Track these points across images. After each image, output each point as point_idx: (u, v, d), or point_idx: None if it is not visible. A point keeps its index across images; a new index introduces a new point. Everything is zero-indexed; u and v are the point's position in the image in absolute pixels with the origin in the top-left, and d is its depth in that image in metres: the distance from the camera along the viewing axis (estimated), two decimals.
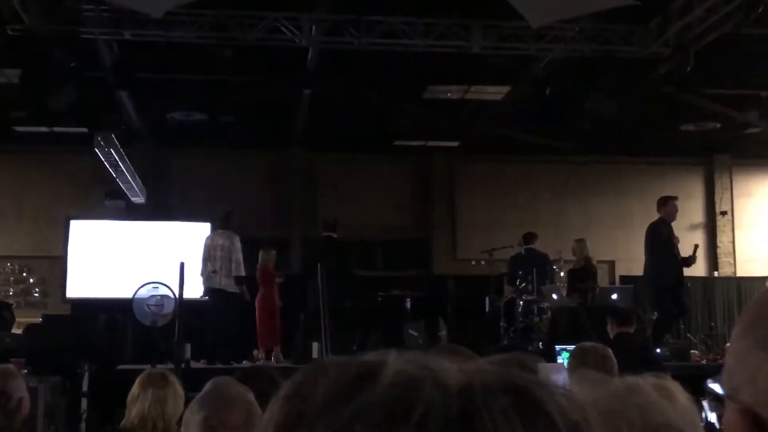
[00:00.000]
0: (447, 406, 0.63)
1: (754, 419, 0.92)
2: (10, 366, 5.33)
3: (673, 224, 19.21)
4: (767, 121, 15.56)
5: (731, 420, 0.96)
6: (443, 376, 0.65)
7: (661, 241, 11.41)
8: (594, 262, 13.54)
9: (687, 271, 18.64)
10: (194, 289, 11.63)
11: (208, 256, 11.62)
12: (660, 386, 1.63)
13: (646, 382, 1.64)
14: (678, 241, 11.57)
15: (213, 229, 13.31)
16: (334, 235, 12.21)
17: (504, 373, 0.66)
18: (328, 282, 10.55)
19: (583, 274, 12.98)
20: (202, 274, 11.64)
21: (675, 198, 11.91)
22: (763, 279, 14.36)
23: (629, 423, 1.21)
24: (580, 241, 13.46)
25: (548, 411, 0.65)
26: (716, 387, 1.01)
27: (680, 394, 1.63)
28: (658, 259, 11.41)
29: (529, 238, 13.22)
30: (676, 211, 11.78)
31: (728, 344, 1.01)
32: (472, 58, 12.31)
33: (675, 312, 11.90)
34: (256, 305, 12.01)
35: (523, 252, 13.11)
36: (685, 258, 11.63)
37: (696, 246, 11.98)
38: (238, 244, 11.72)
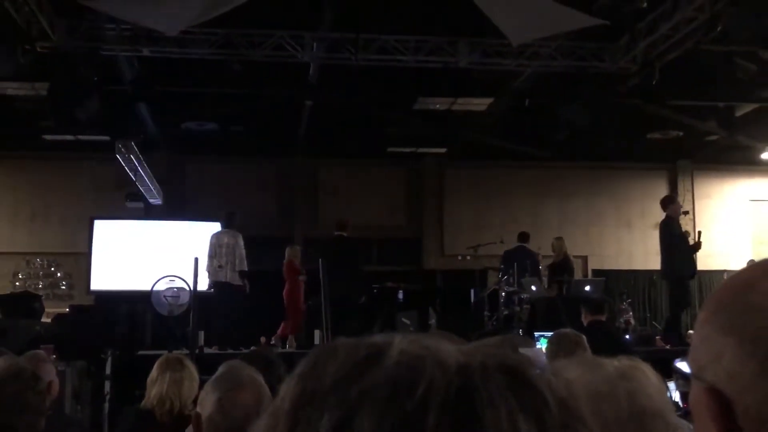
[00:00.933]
0: (448, 383, 0.63)
1: (718, 396, 0.93)
2: (41, 352, 5.33)
3: (641, 224, 19.33)
4: (725, 129, 15.61)
5: (696, 397, 0.97)
6: (444, 356, 0.65)
7: (678, 235, 11.37)
8: (571, 258, 13.57)
9: (653, 264, 18.75)
10: (205, 282, 11.65)
11: (214, 253, 11.61)
12: (633, 367, 1.64)
13: (621, 363, 1.65)
14: (689, 235, 11.58)
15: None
16: (345, 234, 12.13)
17: (499, 353, 0.67)
18: (338, 277, 10.59)
19: (561, 268, 13.03)
20: (208, 269, 11.60)
21: (676, 195, 12.01)
22: (721, 272, 14.40)
23: (615, 406, 1.20)
24: (560, 239, 13.52)
25: (539, 388, 0.65)
26: (683, 366, 1.02)
27: (651, 374, 1.64)
28: (679, 252, 11.25)
29: (522, 237, 13.28)
30: (680, 207, 11.81)
31: (690, 331, 1.02)
32: (459, 72, 12.32)
33: (684, 305, 11.73)
34: (284, 297, 12.04)
35: (514, 248, 13.13)
36: (691, 246, 11.59)
37: (699, 232, 11.98)
38: (241, 242, 11.74)
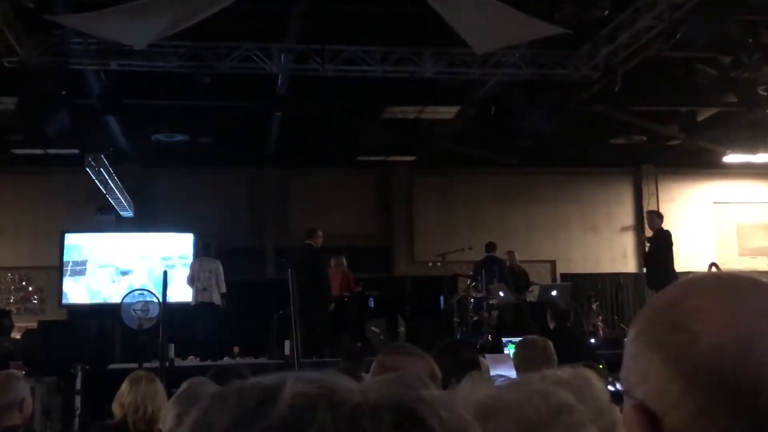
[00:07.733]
0: (337, 429, 0.63)
1: (647, 412, 0.94)
2: (15, 371, 5.26)
3: (607, 228, 19.45)
4: (687, 134, 15.78)
5: (627, 413, 0.98)
6: (339, 398, 0.65)
7: (671, 246, 11.90)
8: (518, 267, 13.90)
9: (619, 267, 18.85)
10: (178, 295, 12.12)
11: (197, 277, 12.18)
12: (578, 375, 1.66)
13: (565, 372, 1.66)
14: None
15: (194, 243, 14.30)
16: (313, 244, 11.96)
17: (393, 393, 0.66)
18: (305, 286, 10.61)
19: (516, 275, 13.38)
20: (191, 286, 12.29)
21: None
22: (686, 273, 14.53)
23: (536, 409, 1.20)
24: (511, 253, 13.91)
25: (431, 426, 0.65)
26: (615, 386, 1.02)
27: (596, 381, 1.65)
28: (670, 262, 11.79)
29: (489, 247, 13.34)
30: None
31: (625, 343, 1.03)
32: (425, 81, 12.37)
33: None
34: None
35: (484, 258, 13.18)
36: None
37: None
38: (220, 268, 12.31)
